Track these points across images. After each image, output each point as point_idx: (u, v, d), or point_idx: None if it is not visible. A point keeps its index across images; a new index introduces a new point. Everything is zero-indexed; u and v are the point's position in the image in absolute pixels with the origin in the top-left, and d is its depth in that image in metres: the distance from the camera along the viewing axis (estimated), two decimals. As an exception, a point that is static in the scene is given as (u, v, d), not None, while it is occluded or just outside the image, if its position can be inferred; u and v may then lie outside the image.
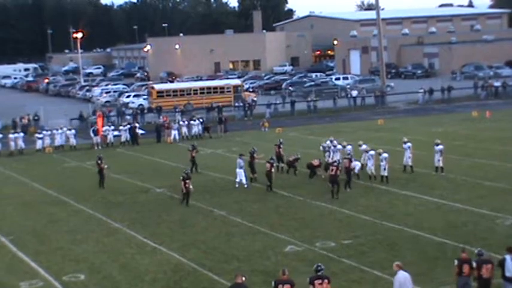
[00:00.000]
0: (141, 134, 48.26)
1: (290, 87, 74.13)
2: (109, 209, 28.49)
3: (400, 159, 32.89)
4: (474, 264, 16.43)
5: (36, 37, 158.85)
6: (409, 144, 32.87)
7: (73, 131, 46.78)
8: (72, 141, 46.17)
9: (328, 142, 35.00)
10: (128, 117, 56.25)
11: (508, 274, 16.36)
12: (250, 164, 31.94)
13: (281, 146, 34.83)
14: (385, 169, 30.60)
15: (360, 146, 33.24)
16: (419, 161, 33.35)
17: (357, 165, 31.12)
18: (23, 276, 20.78)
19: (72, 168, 39.25)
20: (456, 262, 16.66)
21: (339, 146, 33.66)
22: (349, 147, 32.97)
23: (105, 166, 32.65)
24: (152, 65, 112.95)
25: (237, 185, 31.21)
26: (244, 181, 31.18)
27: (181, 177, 28.31)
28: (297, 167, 33.24)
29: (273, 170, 30.15)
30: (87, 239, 24.22)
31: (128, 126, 47.92)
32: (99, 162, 32.67)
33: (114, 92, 75.57)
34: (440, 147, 32.08)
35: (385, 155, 30.67)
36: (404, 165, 32.66)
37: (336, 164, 28.96)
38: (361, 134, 46.23)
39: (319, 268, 15.70)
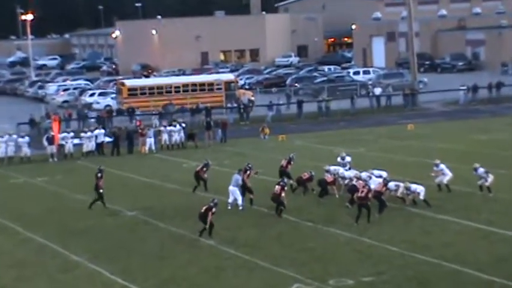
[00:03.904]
0: (107, 142, 48.20)
1: (296, 84, 74.35)
2: (66, 238, 28.43)
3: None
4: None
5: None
6: (442, 166, 32.66)
7: (27, 139, 46.62)
8: (26, 150, 46.00)
9: (339, 159, 35.04)
10: (92, 120, 56.35)
11: None
12: (244, 183, 31.92)
13: (291, 162, 34.85)
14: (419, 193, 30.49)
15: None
16: (460, 176, 33.30)
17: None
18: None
19: (20, 186, 39.21)
20: None
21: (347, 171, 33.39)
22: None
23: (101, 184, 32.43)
24: (122, 56, 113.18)
25: (229, 207, 31.19)
26: (239, 202, 31.17)
27: (212, 208, 27.23)
28: (309, 187, 33.19)
29: (283, 194, 29.98)
30: (38, 276, 24.14)
31: (104, 131, 48.20)
32: (99, 175, 32.61)
33: (74, 89, 75.71)
34: (482, 170, 31.71)
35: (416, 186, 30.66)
36: (438, 184, 32.61)
37: (368, 186, 28.85)
38: (385, 142, 46.29)
39: None
